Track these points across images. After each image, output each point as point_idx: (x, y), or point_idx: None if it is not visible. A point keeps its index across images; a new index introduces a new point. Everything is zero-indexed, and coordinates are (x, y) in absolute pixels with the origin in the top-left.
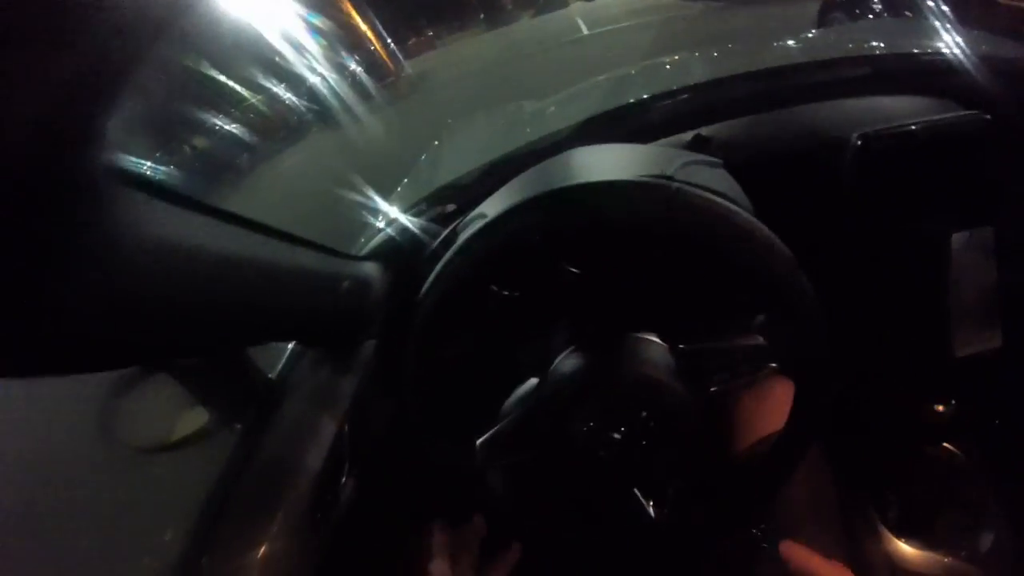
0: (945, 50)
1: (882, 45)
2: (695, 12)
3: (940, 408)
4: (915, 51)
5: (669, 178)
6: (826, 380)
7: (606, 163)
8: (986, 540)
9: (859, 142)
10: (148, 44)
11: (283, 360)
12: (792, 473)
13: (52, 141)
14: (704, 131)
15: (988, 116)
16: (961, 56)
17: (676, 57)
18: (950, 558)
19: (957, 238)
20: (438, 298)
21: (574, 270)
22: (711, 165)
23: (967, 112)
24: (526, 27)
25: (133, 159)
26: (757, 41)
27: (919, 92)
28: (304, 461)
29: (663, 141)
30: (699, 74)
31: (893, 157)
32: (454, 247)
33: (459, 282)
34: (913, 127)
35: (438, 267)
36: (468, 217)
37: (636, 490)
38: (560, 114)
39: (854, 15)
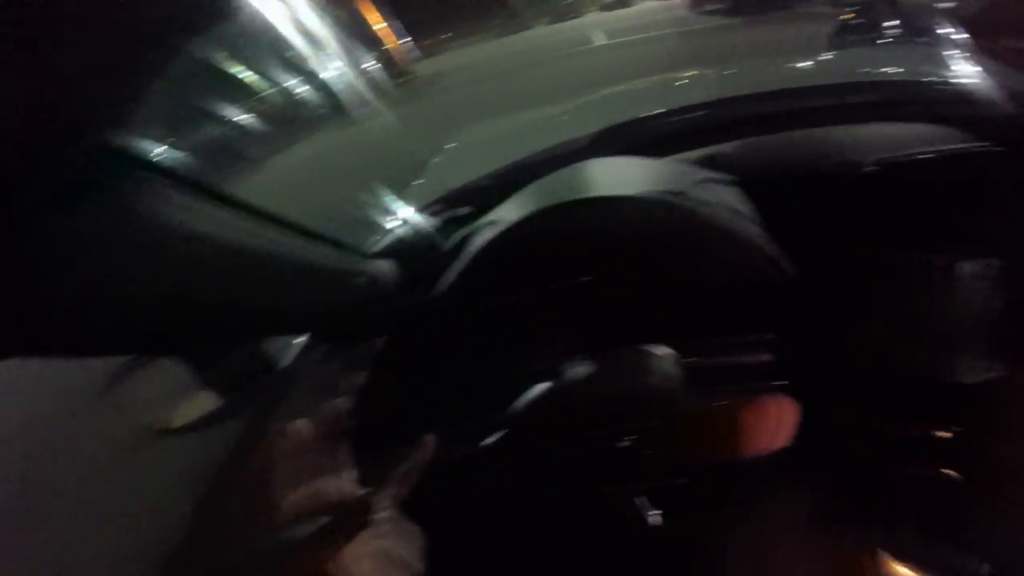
0: (961, 79)
1: (897, 71)
2: (710, 27)
3: (942, 433)
4: (929, 79)
5: (682, 194)
6: (827, 399)
7: (622, 177)
8: (986, 568)
9: (873, 168)
10: (175, 38)
11: (292, 352)
12: (784, 488)
13: (76, 128)
14: (717, 149)
15: (1001, 148)
16: (978, 86)
17: (691, 73)
18: None
19: (962, 267)
20: (454, 297)
21: (585, 278)
22: (725, 183)
23: (981, 143)
24: (541, 34)
25: (149, 146)
26: (771, 60)
27: (932, 121)
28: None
29: (677, 156)
30: (713, 92)
31: (905, 184)
32: (471, 250)
33: (475, 284)
34: (927, 155)
35: (455, 268)
36: (481, 221)
37: (636, 499)
38: (575, 123)
39: (868, 39)
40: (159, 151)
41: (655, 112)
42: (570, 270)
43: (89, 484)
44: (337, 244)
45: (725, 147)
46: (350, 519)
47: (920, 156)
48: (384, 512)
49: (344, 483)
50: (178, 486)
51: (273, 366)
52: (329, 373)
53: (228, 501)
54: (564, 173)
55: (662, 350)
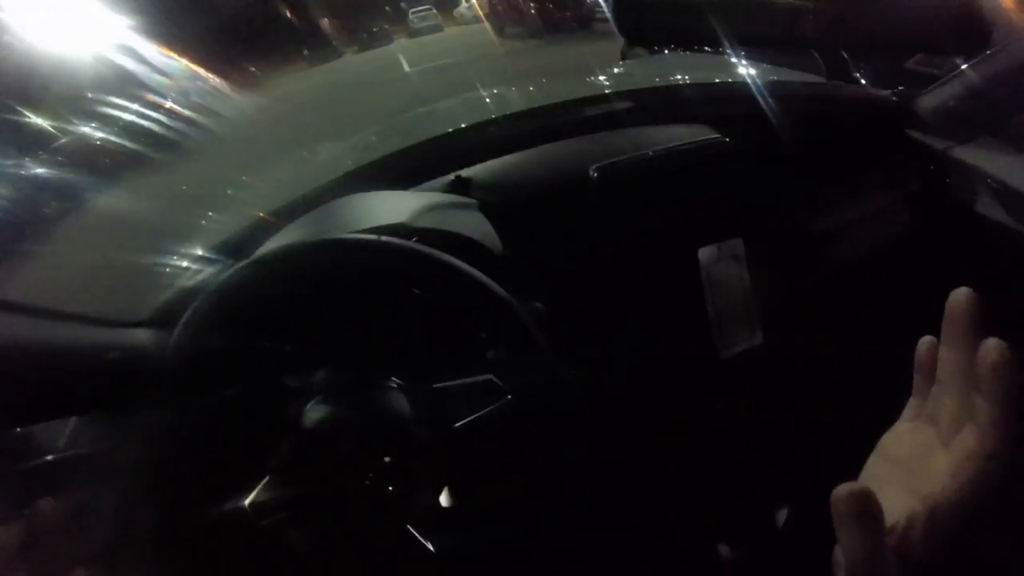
0: (731, 80)
1: (682, 78)
2: (512, 50)
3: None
4: (703, 82)
5: (404, 227)
6: (559, 405)
7: (354, 216)
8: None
9: (595, 174)
10: None
11: (65, 435)
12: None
13: None
14: (467, 172)
15: (727, 139)
16: (747, 85)
17: (486, 93)
18: None
19: (705, 251)
20: (182, 355)
21: (321, 320)
22: (462, 207)
23: (708, 137)
24: (349, 64)
25: None
26: (566, 77)
27: (700, 120)
28: (92, 539)
29: (438, 180)
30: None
31: (631, 184)
32: (196, 302)
33: (199, 335)
34: (649, 155)
35: (181, 322)
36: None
37: (410, 526)
38: (347, 158)
39: (653, 51)
40: None
41: (417, 141)
42: (312, 309)
43: None
44: (89, 320)
45: (476, 169)
46: None
47: (646, 156)
48: None
49: None
50: None
51: (45, 453)
52: (104, 451)
53: None
54: (306, 217)
55: (394, 383)
